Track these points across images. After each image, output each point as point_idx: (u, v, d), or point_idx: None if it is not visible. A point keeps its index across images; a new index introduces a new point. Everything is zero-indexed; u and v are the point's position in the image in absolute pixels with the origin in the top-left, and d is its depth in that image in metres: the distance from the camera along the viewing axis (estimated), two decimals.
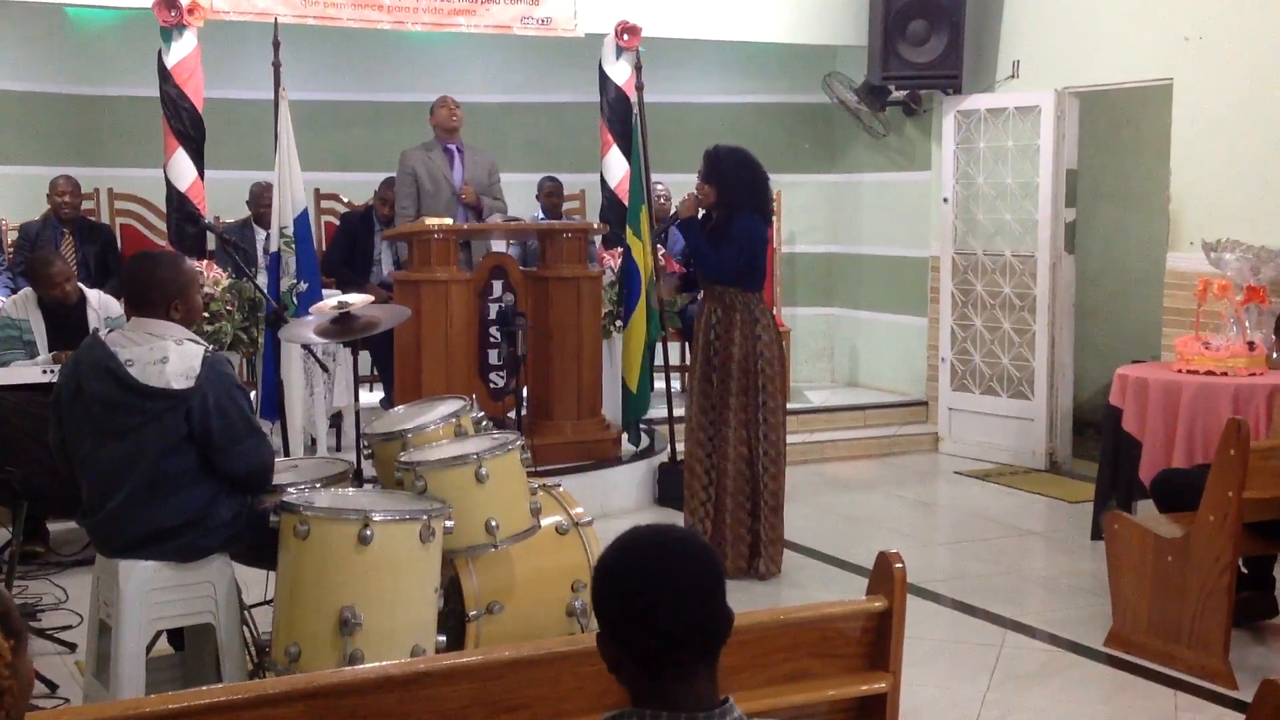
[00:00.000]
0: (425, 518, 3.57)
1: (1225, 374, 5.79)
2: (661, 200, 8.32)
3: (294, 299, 6.25)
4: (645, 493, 6.95)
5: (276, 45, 6.49)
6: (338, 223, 8.13)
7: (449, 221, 6.59)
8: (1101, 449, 6.28)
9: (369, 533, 3.45)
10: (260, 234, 7.39)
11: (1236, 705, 4.22)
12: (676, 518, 6.70)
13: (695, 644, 1.84)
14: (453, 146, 7.25)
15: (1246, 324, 6.10)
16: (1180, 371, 5.90)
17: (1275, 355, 5.95)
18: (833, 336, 9.66)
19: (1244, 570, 4.95)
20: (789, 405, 8.50)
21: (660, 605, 1.82)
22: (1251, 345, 5.94)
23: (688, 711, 1.82)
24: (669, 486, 6.92)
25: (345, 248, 7.69)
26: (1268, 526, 4.73)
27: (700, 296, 5.84)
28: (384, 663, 2.72)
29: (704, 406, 5.68)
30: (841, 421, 8.51)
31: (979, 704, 4.29)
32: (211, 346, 3.68)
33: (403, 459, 3.90)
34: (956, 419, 8.45)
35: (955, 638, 4.96)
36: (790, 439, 8.12)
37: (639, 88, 7.47)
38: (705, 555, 1.90)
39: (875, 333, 9.35)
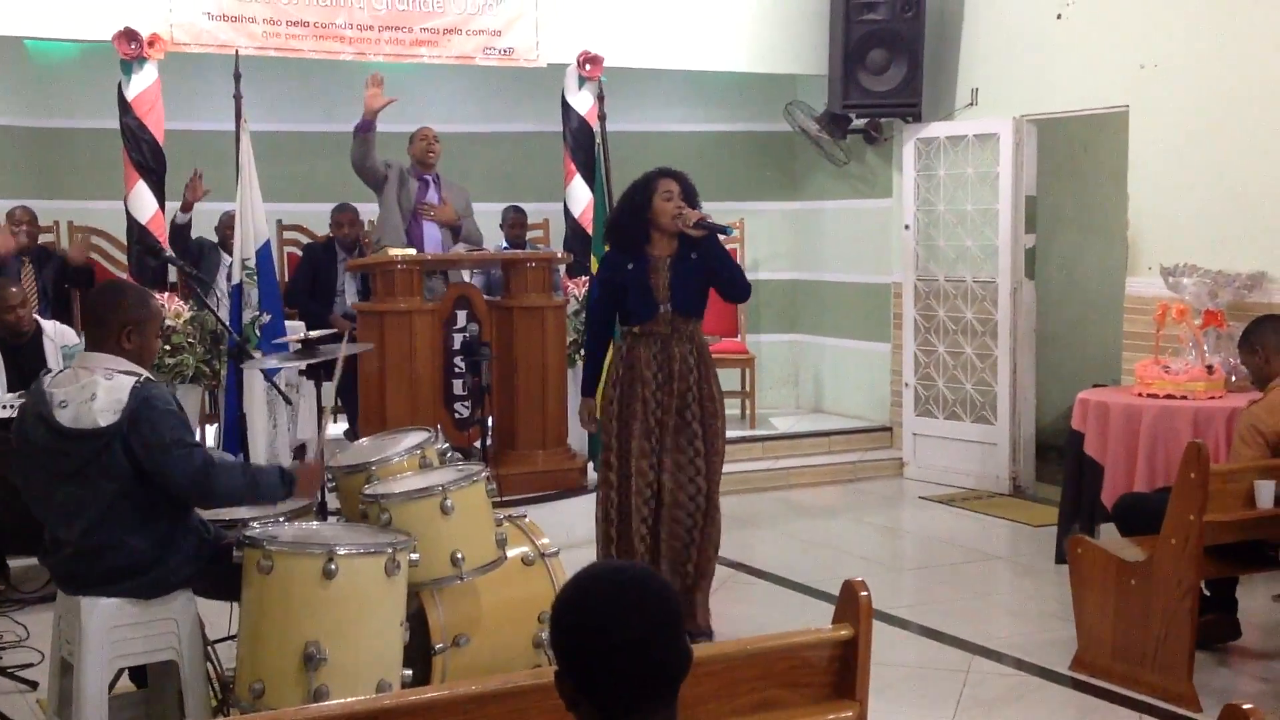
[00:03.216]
0: (390, 551, 3.55)
1: (1185, 397, 5.86)
2: None
3: (256, 331, 6.23)
4: None
5: (238, 77, 6.49)
6: (300, 254, 8.11)
7: (412, 252, 6.58)
8: (1064, 473, 6.32)
9: (333, 567, 3.43)
10: (226, 260, 7.35)
11: None
12: None
13: (652, 684, 1.83)
14: (429, 177, 7.22)
15: (1205, 347, 6.17)
16: (1140, 395, 5.96)
17: (1234, 378, 6.02)
18: (797, 363, 9.69)
19: (1207, 593, 4.99)
20: (755, 431, 8.59)
21: (617, 646, 1.81)
22: (1210, 369, 6.01)
23: None
24: None
25: (308, 279, 7.66)
26: (1229, 549, 4.77)
27: (646, 335, 5.07)
28: (348, 699, 2.70)
29: (680, 462, 5.07)
30: (806, 448, 8.53)
31: None
32: (144, 376, 3.59)
33: (367, 492, 3.89)
34: (920, 444, 8.49)
35: (922, 664, 4.97)
36: (755, 465, 8.23)
37: (601, 117, 7.51)
38: (663, 594, 1.89)
39: (839, 359, 9.39)
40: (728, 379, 8.81)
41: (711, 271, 5.05)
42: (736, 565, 6.39)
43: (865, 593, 2.91)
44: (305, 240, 8.31)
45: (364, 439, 4.66)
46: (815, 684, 2.91)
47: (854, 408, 9.22)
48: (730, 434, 8.25)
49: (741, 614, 5.64)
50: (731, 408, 8.83)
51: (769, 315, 9.57)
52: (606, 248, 5.36)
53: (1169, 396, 5.89)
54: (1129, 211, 7.23)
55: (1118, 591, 4.67)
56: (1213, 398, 5.86)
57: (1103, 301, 8.23)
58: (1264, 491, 4.59)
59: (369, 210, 7.95)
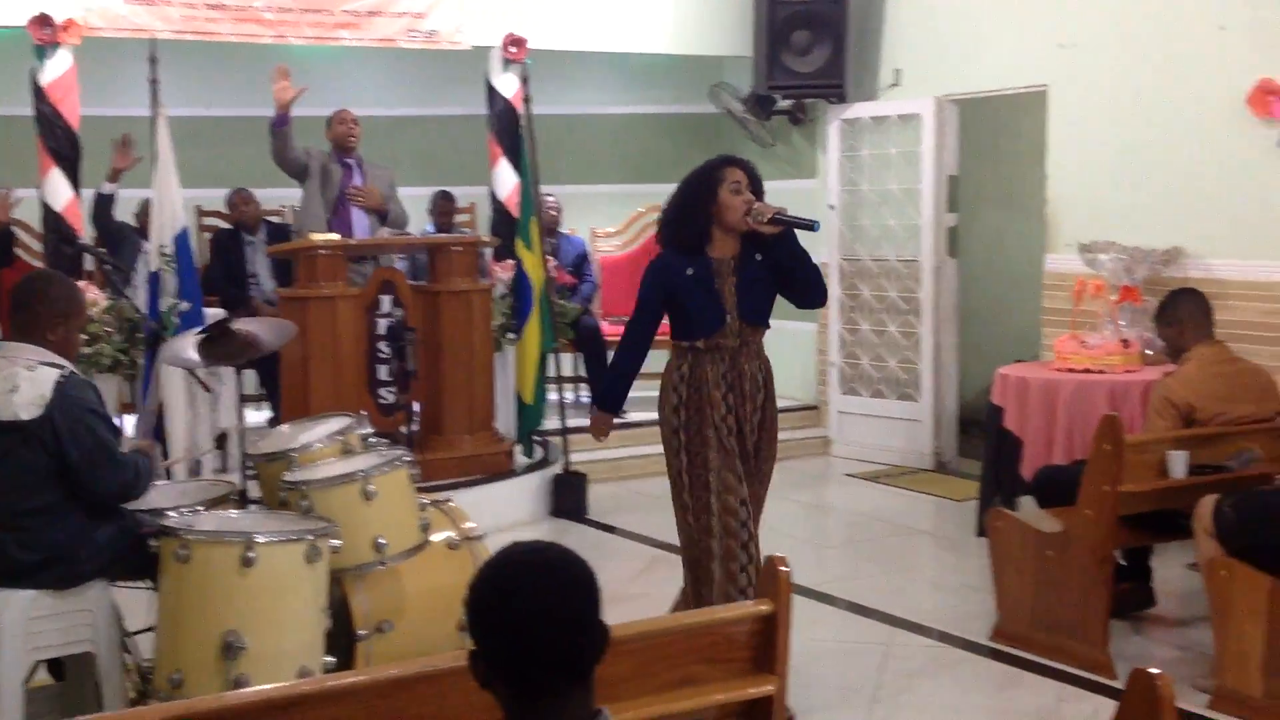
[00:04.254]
0: (310, 538, 3.53)
1: (1102, 371, 5.97)
2: (552, 212, 8.34)
3: (174, 319, 6.15)
4: (540, 504, 6.95)
5: (153, 61, 6.38)
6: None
7: (335, 236, 6.53)
8: (985, 448, 6.41)
9: (252, 555, 3.41)
10: (146, 246, 7.25)
11: (1117, 695, 4.33)
12: (571, 529, 6.74)
13: (565, 666, 1.83)
14: (351, 161, 7.14)
15: (1121, 322, 6.28)
16: (1059, 370, 6.07)
17: (1149, 352, 6.13)
18: None
19: (1122, 562, 5.10)
20: None
21: (530, 629, 1.81)
22: (1126, 343, 6.12)
23: None
24: (564, 498, 6.94)
25: (224, 265, 7.60)
26: (1144, 519, 4.86)
27: (711, 350, 4.27)
28: (266, 686, 2.68)
29: (750, 494, 4.31)
30: None
31: (869, 702, 4.36)
32: (69, 370, 3.57)
33: (287, 478, 3.87)
34: (846, 422, 8.57)
35: (847, 638, 5.04)
36: None
37: (526, 100, 7.48)
38: (580, 577, 1.88)
39: (767, 339, 9.40)
40: (654, 361, 8.86)
41: (786, 274, 4.27)
42: (664, 545, 6.42)
43: (785, 568, 2.94)
44: (225, 227, 8.21)
45: (284, 425, 4.62)
46: (736, 659, 2.94)
47: (780, 387, 9.01)
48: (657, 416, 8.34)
49: (669, 594, 5.65)
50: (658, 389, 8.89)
51: None
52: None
53: (1086, 371, 5.99)
54: (1048, 190, 7.34)
55: (1036, 563, 4.75)
56: (1129, 371, 5.97)
57: (1024, 278, 8.33)
58: (1176, 462, 4.68)
59: (267, 195, 7.88)
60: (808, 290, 4.33)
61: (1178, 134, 6.65)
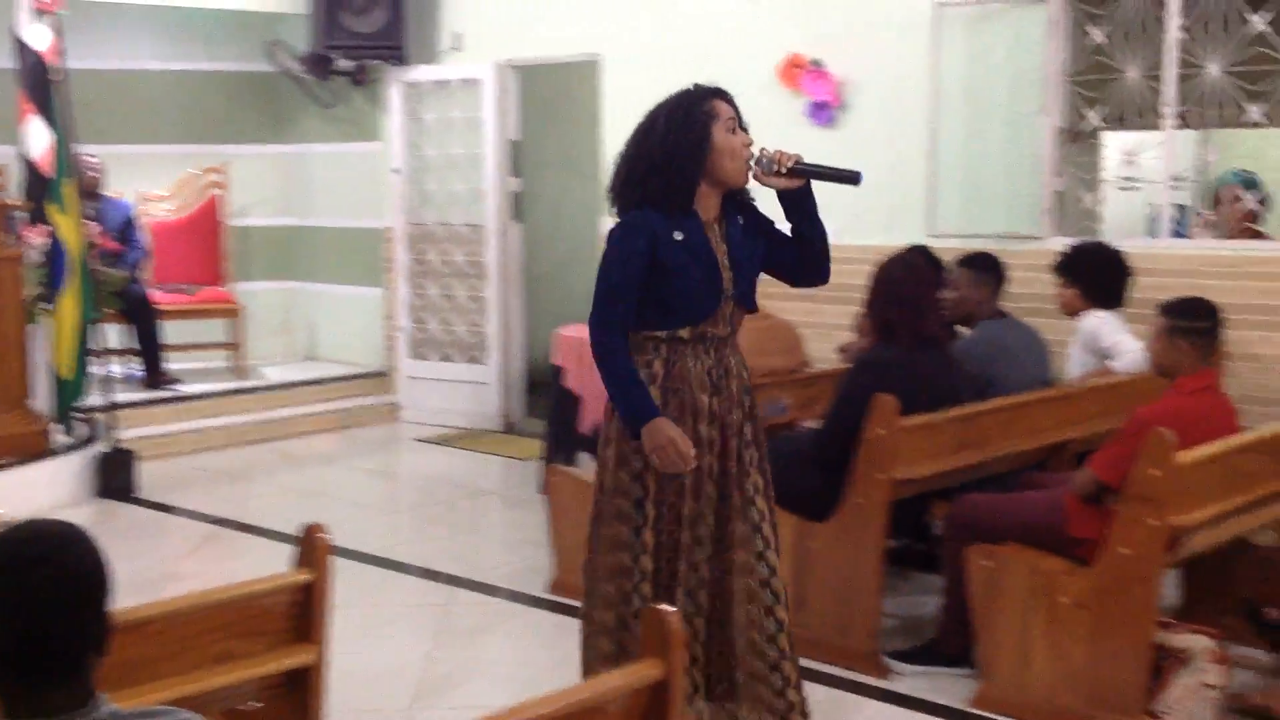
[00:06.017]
0: None
1: None
2: (93, 174, 7.81)
3: None
4: (83, 485, 6.48)
5: None
6: None
7: None
8: (547, 407, 6.57)
9: None
10: None
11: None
12: (120, 509, 6.38)
13: (36, 664, 1.68)
14: None
15: None
16: None
17: None
18: (289, 310, 9.45)
19: None
20: (246, 383, 8.30)
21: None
22: None
23: (45, 716, 1.69)
24: (111, 477, 6.53)
25: None
26: None
27: (698, 340, 3.32)
28: None
29: (744, 533, 3.40)
30: (300, 397, 8.36)
31: (423, 663, 4.37)
32: None
33: None
34: (416, 387, 8.56)
35: (410, 602, 5.03)
36: (247, 418, 7.97)
37: (61, 53, 6.93)
38: (76, 564, 1.72)
39: (333, 305, 9.26)
40: (211, 331, 8.53)
41: (794, 242, 3.36)
42: (219, 521, 6.20)
43: (323, 535, 2.91)
44: None
45: None
46: (274, 631, 2.88)
47: (349, 354, 9.14)
48: (219, 387, 8.04)
49: (229, 570, 5.46)
50: (218, 360, 8.55)
51: (259, 262, 9.26)
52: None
53: None
54: (602, 155, 7.57)
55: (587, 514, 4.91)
56: None
57: (584, 241, 8.59)
58: None
59: None
60: (817, 262, 3.37)
61: None
